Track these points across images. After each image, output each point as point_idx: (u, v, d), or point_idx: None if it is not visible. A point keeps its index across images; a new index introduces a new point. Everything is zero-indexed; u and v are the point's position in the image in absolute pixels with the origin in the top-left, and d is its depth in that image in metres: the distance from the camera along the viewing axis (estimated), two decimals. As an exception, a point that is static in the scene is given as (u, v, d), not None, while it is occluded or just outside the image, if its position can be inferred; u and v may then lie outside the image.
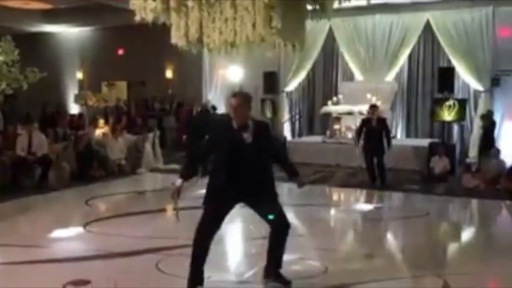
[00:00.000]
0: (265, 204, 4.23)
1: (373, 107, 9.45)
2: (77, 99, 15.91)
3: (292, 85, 14.24)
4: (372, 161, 9.21)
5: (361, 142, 9.42)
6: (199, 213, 6.31)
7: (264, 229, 6.30)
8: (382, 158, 9.14)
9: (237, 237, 6.33)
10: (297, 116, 14.65)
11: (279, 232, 4.26)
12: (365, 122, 9.34)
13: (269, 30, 5.77)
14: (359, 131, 9.56)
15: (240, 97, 4.18)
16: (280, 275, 4.38)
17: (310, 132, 14.46)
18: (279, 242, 4.28)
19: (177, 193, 4.25)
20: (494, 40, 11.72)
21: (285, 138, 13.48)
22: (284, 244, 4.29)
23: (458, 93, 12.19)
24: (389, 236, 6.71)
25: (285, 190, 9.67)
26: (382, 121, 9.25)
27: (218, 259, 5.35)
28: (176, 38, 6.18)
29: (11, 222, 6.01)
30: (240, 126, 4.11)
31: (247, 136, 4.11)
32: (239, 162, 4.06)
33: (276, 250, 4.32)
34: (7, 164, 8.69)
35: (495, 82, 11.79)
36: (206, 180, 4.31)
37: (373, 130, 9.09)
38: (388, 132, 9.38)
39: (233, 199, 4.22)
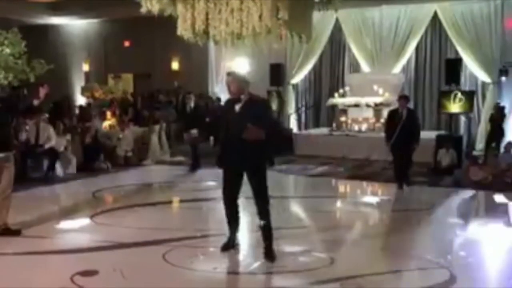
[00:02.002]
0: (253, 181, 4.82)
1: (403, 98, 8.53)
2: (84, 91, 15.94)
3: (299, 77, 14.20)
4: (401, 160, 8.25)
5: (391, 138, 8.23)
6: (202, 205, 6.44)
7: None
8: (411, 155, 8.31)
9: (244, 229, 6.34)
10: (303, 108, 14.63)
11: (259, 208, 4.85)
12: (394, 115, 8.31)
13: (276, 21, 5.76)
14: (388, 126, 8.41)
15: (232, 75, 4.95)
16: (268, 250, 4.84)
17: (317, 124, 14.43)
18: (261, 215, 4.85)
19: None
20: (502, 32, 11.63)
21: (291, 130, 13.48)
22: (267, 217, 4.85)
23: (466, 85, 12.12)
24: (396, 228, 6.69)
25: (291, 182, 9.73)
26: (412, 114, 8.43)
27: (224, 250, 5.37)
28: (182, 29, 6.18)
29: (19, 213, 6.05)
30: (233, 99, 4.88)
31: (237, 108, 4.80)
32: (230, 130, 4.79)
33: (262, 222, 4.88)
34: (15, 156, 8.71)
35: (503, 74, 11.71)
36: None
37: (404, 124, 8.10)
38: (418, 125, 8.47)
39: (232, 163, 4.83)
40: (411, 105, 13.15)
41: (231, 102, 4.93)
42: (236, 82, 4.86)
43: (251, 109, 4.75)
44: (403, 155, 8.18)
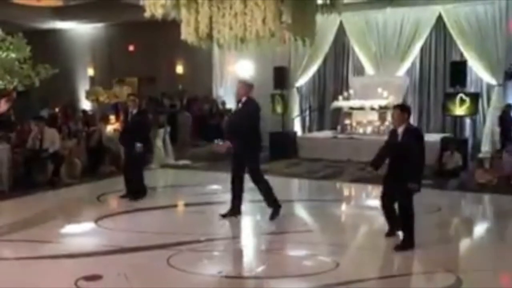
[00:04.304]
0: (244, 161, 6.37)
1: (398, 108, 5.58)
2: (88, 95, 15.99)
3: (303, 80, 14.18)
4: (388, 203, 5.67)
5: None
6: (207, 209, 6.42)
7: (275, 225, 6.32)
8: (405, 198, 5.35)
9: (247, 233, 6.34)
10: (307, 111, 14.61)
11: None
12: (390, 136, 5.69)
13: (279, 25, 5.75)
14: (383, 151, 5.73)
15: (243, 82, 6.62)
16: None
17: (321, 127, 14.41)
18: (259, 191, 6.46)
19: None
20: (507, 33, 11.57)
21: (295, 133, 13.46)
22: (262, 192, 6.42)
23: (471, 87, 12.05)
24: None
25: (296, 185, 9.71)
26: (411, 134, 5.44)
27: (229, 254, 5.37)
28: (186, 34, 6.18)
29: (24, 217, 6.07)
30: (238, 100, 6.58)
31: (238, 107, 6.53)
32: (231, 123, 6.69)
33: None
34: (20, 160, 8.76)
35: (508, 76, 11.65)
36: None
37: (397, 149, 5.45)
38: (422, 150, 5.44)
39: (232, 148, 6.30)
40: (415, 109, 13.22)
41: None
42: (244, 87, 6.38)
43: (243, 108, 6.35)
44: (393, 197, 5.54)
